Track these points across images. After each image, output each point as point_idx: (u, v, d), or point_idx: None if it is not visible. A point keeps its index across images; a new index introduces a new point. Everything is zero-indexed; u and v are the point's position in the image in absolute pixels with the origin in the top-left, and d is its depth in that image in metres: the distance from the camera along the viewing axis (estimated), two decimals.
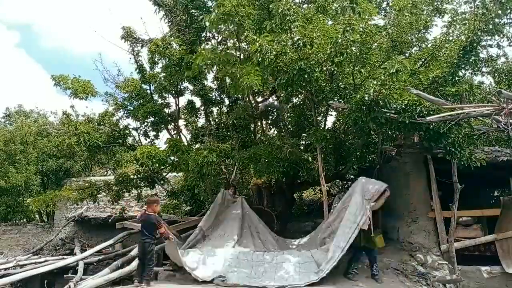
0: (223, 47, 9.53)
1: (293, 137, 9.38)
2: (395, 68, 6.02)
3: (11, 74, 43.87)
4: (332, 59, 6.90)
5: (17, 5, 52.01)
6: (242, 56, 8.44)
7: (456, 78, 7.39)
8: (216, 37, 10.12)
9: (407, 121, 6.36)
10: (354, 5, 6.52)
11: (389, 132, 7.30)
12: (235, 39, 8.31)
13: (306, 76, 6.81)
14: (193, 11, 9.70)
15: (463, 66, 7.36)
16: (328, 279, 6.40)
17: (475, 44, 6.99)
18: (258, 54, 6.74)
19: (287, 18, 6.88)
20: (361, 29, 6.86)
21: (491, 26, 6.86)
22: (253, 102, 10.32)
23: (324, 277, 6.33)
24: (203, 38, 10.20)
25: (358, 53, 7.08)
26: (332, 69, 7.27)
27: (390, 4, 9.10)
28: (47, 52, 58.17)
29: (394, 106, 6.41)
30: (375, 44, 7.60)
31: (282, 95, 9.07)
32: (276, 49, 6.74)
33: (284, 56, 6.82)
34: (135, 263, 8.29)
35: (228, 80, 10.07)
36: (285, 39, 6.82)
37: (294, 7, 7.10)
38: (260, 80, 6.85)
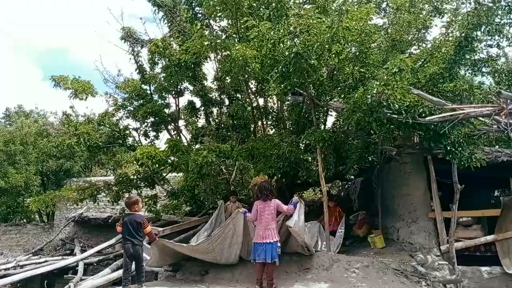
0: (224, 35, 9.45)
1: (292, 134, 9.36)
2: (398, 67, 5.87)
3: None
4: (329, 47, 6.80)
5: None
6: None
7: (453, 74, 7.37)
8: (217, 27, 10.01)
9: (410, 122, 6.30)
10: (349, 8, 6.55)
11: (392, 133, 7.24)
12: (234, 29, 8.28)
13: (303, 61, 6.63)
14: (197, 8, 9.66)
15: (459, 61, 7.34)
16: (325, 277, 6.41)
17: (470, 39, 6.99)
18: (256, 41, 6.70)
19: (283, 4, 6.91)
20: (358, 17, 6.76)
21: (484, 20, 6.87)
22: (253, 99, 10.29)
23: (322, 275, 6.38)
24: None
25: (357, 52, 7.01)
26: (330, 57, 7.12)
27: (389, 3, 9.09)
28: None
29: (397, 106, 6.33)
30: (374, 44, 7.55)
31: (279, 89, 8.79)
32: (273, 37, 6.68)
33: (282, 45, 6.73)
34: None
35: (228, 79, 10.09)
36: (282, 27, 6.77)
37: None
38: (254, 56, 6.72)
